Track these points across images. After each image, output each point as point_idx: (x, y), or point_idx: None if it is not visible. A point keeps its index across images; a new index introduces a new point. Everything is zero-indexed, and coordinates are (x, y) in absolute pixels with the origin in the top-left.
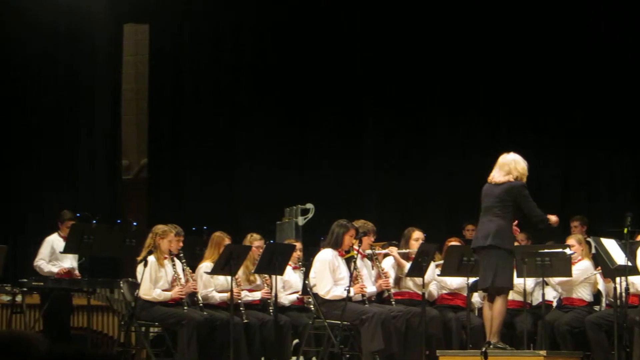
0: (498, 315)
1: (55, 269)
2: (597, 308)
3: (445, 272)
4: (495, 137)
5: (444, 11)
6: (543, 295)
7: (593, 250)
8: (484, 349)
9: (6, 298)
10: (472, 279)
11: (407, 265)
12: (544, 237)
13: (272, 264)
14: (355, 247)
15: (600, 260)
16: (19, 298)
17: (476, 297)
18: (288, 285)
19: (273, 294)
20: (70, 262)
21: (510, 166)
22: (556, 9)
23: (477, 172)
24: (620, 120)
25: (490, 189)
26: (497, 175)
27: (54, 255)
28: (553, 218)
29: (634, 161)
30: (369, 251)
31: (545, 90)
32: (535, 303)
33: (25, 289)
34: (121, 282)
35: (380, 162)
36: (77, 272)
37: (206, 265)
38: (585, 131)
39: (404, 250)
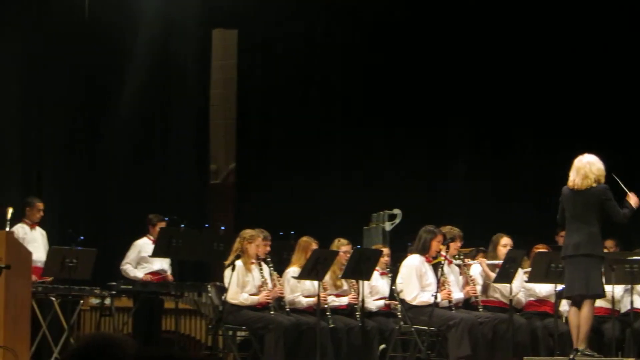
0: (586, 321)
1: (140, 274)
2: None
3: (533, 278)
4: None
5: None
6: (632, 302)
7: None
8: (571, 356)
9: (95, 301)
10: (560, 286)
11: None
12: (633, 244)
13: (359, 269)
14: (443, 253)
15: None
16: (107, 301)
17: (564, 305)
18: (375, 290)
19: (360, 299)
20: (160, 264)
21: (585, 169)
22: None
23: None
24: None
25: (573, 196)
26: (577, 180)
27: (143, 259)
28: (632, 199)
29: None
30: (456, 257)
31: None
32: (623, 310)
33: (114, 292)
34: (209, 286)
35: (469, 169)
36: (169, 274)
37: (293, 269)
38: None
39: (492, 262)
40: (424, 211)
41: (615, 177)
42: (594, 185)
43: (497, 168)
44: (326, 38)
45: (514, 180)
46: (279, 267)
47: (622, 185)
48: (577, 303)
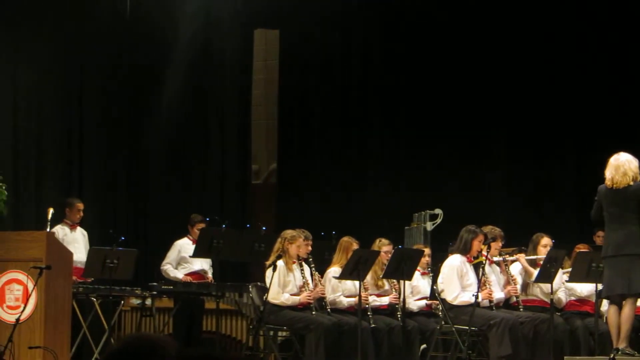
0: (627, 320)
1: (180, 275)
2: None
3: (573, 278)
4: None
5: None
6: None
7: None
8: (612, 356)
9: (136, 302)
10: (601, 286)
11: (535, 271)
12: None
13: (400, 269)
14: (484, 252)
15: None
16: (148, 301)
17: (605, 305)
18: (416, 290)
19: (401, 299)
20: (200, 264)
21: (625, 167)
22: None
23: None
24: None
25: (611, 195)
26: (616, 178)
27: (183, 259)
28: None
29: None
30: (497, 257)
31: None
32: None
33: (154, 293)
34: (250, 286)
35: (509, 167)
36: (209, 275)
37: (334, 270)
38: None
39: (532, 257)
40: (465, 211)
41: None
42: (632, 183)
43: (536, 170)
44: (366, 39)
45: (552, 182)
46: (320, 267)
47: None
48: (616, 302)
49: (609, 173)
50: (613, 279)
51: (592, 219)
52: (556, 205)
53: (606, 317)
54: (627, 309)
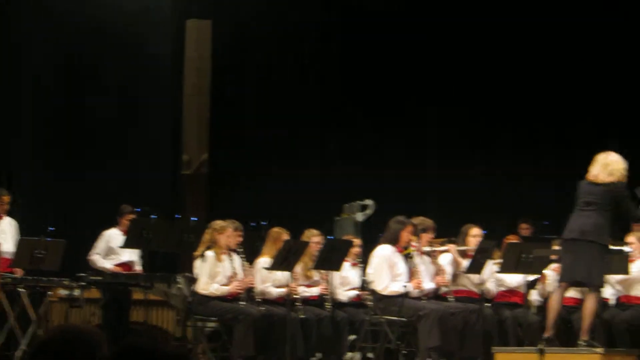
0: (589, 314)
1: (108, 265)
2: None
3: (503, 269)
4: (558, 137)
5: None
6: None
7: None
8: (540, 346)
9: (64, 292)
10: (530, 277)
11: (465, 262)
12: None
13: (330, 259)
14: (414, 243)
15: None
16: (77, 292)
17: (534, 295)
18: (346, 281)
19: (330, 290)
20: (128, 255)
21: (613, 167)
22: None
23: (539, 170)
24: None
25: (591, 187)
26: (600, 174)
27: (111, 250)
28: None
29: None
30: (427, 248)
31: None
32: None
33: (83, 284)
34: (179, 277)
35: (439, 160)
36: (137, 266)
37: (264, 260)
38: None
39: (462, 248)
40: (397, 202)
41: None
42: (613, 180)
43: (469, 162)
44: (301, 28)
45: (483, 174)
46: (251, 258)
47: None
48: (564, 288)
49: (594, 169)
50: (574, 265)
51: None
52: (486, 197)
53: (537, 307)
54: (589, 303)
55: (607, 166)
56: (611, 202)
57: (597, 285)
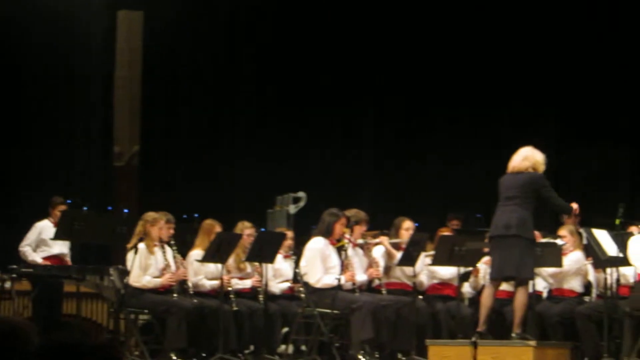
0: (521, 307)
1: (39, 258)
2: (587, 299)
3: (436, 261)
4: (492, 130)
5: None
6: (533, 285)
7: (585, 241)
8: (473, 339)
9: None
10: (463, 269)
11: (398, 254)
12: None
13: (263, 252)
14: (347, 236)
15: (592, 251)
16: (8, 284)
17: (466, 287)
18: (279, 273)
19: (263, 282)
20: (59, 248)
21: (527, 153)
22: None
23: (475, 162)
24: (615, 111)
25: (510, 179)
26: (520, 165)
27: (43, 241)
28: (574, 206)
29: (626, 153)
30: (360, 240)
31: (538, 86)
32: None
33: (14, 276)
34: (111, 270)
35: (375, 151)
36: (67, 258)
37: (197, 252)
38: (578, 121)
39: (395, 240)
40: (330, 195)
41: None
42: (532, 171)
43: (403, 154)
44: (232, 20)
45: (417, 167)
46: (183, 250)
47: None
48: (495, 285)
49: (514, 162)
50: (503, 261)
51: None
52: (420, 190)
53: (469, 300)
54: (519, 296)
55: (527, 159)
56: (533, 194)
57: (526, 279)
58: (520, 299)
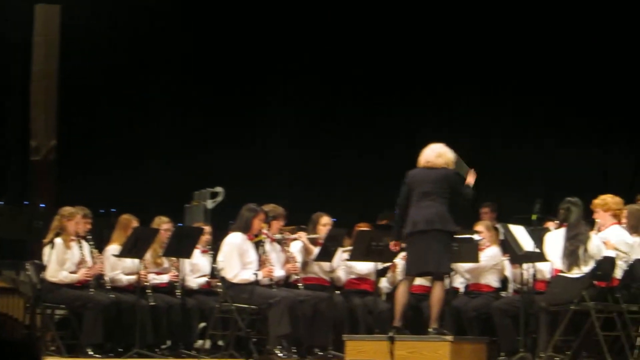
0: (437, 302)
1: None
2: (504, 294)
3: (354, 257)
4: (412, 120)
5: None
6: (450, 282)
7: (501, 237)
8: (391, 334)
9: None
10: (380, 265)
11: (315, 250)
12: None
13: (180, 247)
14: (265, 231)
15: (509, 246)
16: None
17: (384, 282)
18: (196, 268)
19: (181, 277)
20: None
21: (441, 150)
22: None
23: (394, 154)
24: (536, 110)
25: (424, 174)
26: (431, 158)
27: None
28: (471, 177)
29: (542, 149)
30: (278, 235)
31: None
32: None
33: None
34: (27, 264)
35: (292, 146)
36: None
37: (114, 247)
38: (500, 117)
39: (313, 235)
40: (247, 190)
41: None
42: (445, 167)
43: (321, 151)
44: (153, 13)
45: (336, 164)
46: (100, 245)
47: (463, 163)
48: (410, 280)
49: (424, 156)
50: (423, 256)
51: (399, 204)
52: (338, 186)
53: (386, 295)
54: (436, 291)
55: (441, 155)
56: (447, 188)
57: (444, 274)
58: (437, 294)
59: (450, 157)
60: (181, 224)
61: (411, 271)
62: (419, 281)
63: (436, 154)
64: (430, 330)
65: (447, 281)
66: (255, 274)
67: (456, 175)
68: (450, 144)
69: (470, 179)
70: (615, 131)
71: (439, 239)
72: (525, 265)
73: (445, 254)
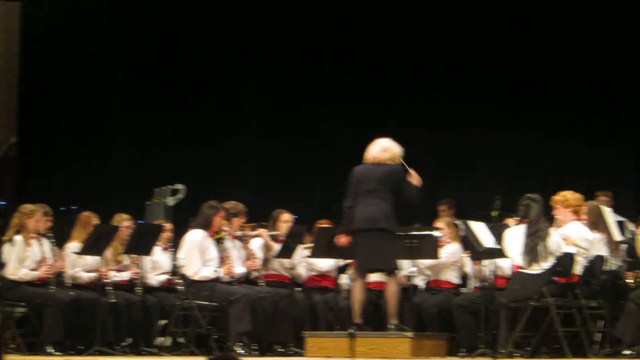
0: (393, 297)
1: None
2: (464, 290)
3: (314, 253)
4: (373, 114)
5: None
6: (411, 277)
7: (462, 233)
8: (351, 330)
9: None
10: (341, 261)
11: (276, 246)
12: (412, 220)
13: (141, 244)
14: (225, 228)
15: (469, 243)
16: None
17: (344, 279)
18: (157, 265)
19: (141, 275)
20: None
21: (386, 145)
22: None
23: (357, 151)
24: (488, 105)
25: (369, 170)
26: (376, 154)
27: None
28: (414, 178)
29: (501, 144)
30: (238, 232)
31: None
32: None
33: None
34: None
35: (253, 143)
36: None
37: (74, 245)
38: (457, 114)
39: (273, 232)
40: (208, 187)
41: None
42: (391, 163)
43: (282, 149)
44: (113, 10)
45: (298, 160)
46: (60, 242)
47: (406, 166)
48: (363, 277)
49: (373, 152)
50: (371, 254)
51: (345, 202)
52: (301, 182)
53: (347, 292)
54: (390, 287)
55: (386, 150)
56: (392, 185)
57: (393, 269)
58: (391, 289)
59: (396, 152)
60: (142, 221)
61: (360, 268)
62: (377, 277)
63: (382, 148)
64: (390, 326)
65: (404, 277)
66: (216, 271)
67: (403, 171)
68: (408, 140)
69: (413, 180)
70: (572, 127)
71: (384, 236)
72: (485, 262)
73: (392, 249)
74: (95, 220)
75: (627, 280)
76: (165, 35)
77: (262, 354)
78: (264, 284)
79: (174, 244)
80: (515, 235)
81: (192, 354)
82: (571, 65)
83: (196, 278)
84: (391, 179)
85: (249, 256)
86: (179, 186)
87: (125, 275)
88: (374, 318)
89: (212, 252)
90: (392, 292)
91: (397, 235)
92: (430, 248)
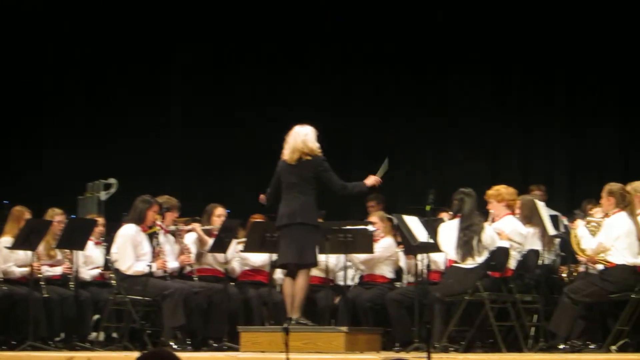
0: (300, 290)
1: None
2: (398, 285)
3: (248, 248)
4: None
5: None
6: (344, 278)
7: (395, 227)
8: (285, 325)
9: None
10: (275, 256)
11: (210, 241)
12: (344, 215)
13: (74, 239)
14: (159, 222)
15: (403, 237)
16: None
17: (278, 274)
18: (90, 260)
19: (74, 269)
20: None
21: (297, 144)
22: None
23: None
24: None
25: (288, 167)
26: (295, 154)
27: None
28: (369, 180)
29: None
30: (172, 227)
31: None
32: (338, 280)
33: None
34: None
35: (185, 136)
36: None
37: (6, 239)
38: (400, 107)
39: (207, 227)
40: (141, 181)
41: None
42: (309, 158)
43: (215, 140)
44: (45, 4)
45: (235, 154)
46: None
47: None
48: (291, 272)
49: (289, 149)
50: (286, 248)
51: (267, 197)
52: (234, 176)
53: (280, 286)
54: (300, 280)
55: (294, 142)
56: (312, 179)
57: (310, 265)
58: (299, 282)
59: (312, 141)
60: (74, 216)
61: (277, 263)
62: (314, 272)
63: (291, 149)
64: (292, 320)
65: (341, 275)
66: (149, 266)
67: (321, 163)
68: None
69: (370, 182)
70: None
71: (302, 231)
72: (419, 256)
73: (309, 244)
74: (27, 215)
75: (561, 275)
76: (99, 29)
77: (196, 349)
78: (197, 278)
79: (107, 239)
80: (449, 229)
81: (125, 348)
82: (498, 53)
83: (129, 273)
84: (308, 172)
85: (183, 251)
86: (112, 180)
87: (58, 270)
88: (309, 312)
89: (145, 246)
90: (299, 286)
91: (316, 228)
92: (365, 242)
